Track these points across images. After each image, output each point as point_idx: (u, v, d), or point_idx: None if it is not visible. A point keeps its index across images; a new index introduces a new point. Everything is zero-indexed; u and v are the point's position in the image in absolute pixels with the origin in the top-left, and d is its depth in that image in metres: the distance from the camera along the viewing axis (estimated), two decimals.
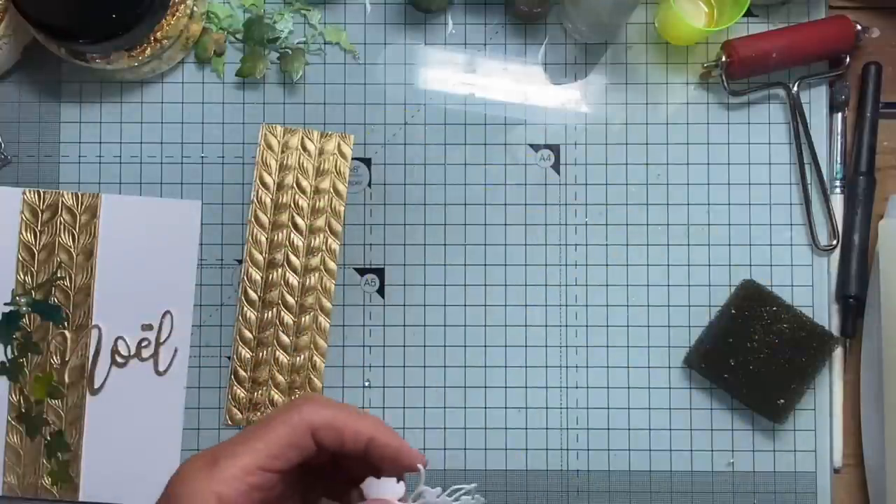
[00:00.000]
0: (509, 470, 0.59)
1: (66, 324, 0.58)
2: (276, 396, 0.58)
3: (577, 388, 0.59)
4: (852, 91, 0.60)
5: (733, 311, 0.57)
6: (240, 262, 0.59)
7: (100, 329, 0.59)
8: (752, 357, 0.57)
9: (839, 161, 0.59)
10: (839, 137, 0.59)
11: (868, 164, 0.58)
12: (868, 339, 0.58)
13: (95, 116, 0.59)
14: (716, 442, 0.59)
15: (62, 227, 0.59)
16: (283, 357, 0.58)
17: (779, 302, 0.57)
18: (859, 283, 0.58)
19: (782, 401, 0.57)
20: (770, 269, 0.59)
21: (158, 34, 0.55)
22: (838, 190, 0.59)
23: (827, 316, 0.59)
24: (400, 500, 0.41)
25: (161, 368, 0.59)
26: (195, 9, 0.57)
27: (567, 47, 0.60)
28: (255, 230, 0.59)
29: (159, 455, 0.58)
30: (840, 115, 0.59)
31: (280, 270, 0.59)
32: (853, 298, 0.58)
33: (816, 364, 0.57)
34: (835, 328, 0.59)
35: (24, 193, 0.59)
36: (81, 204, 0.59)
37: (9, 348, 0.58)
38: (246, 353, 0.58)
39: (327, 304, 0.59)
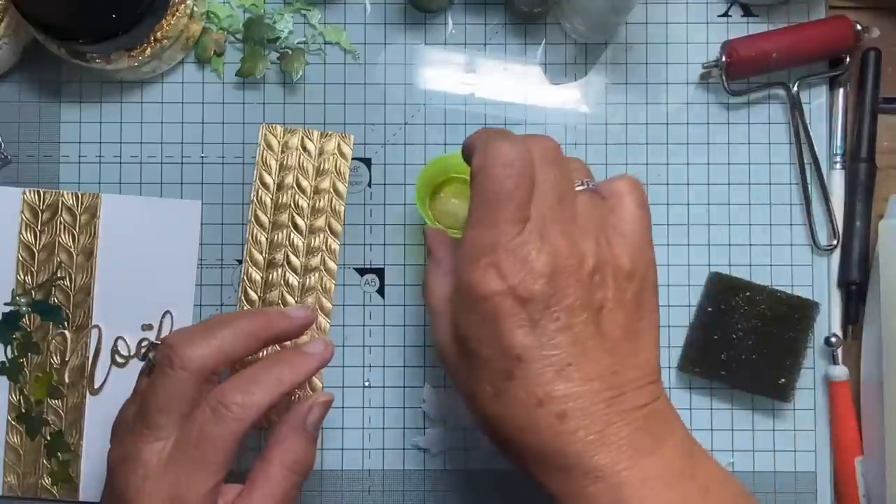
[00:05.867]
0: (510, 470, 0.59)
1: (66, 324, 0.58)
2: None
3: None
4: (851, 89, 0.60)
5: (709, 309, 0.57)
6: (240, 262, 0.59)
7: (100, 329, 0.59)
8: (742, 346, 0.57)
9: (840, 136, 0.59)
10: (840, 113, 0.59)
11: (868, 151, 0.58)
12: (868, 340, 0.58)
13: (95, 116, 0.59)
14: (716, 442, 0.59)
15: (62, 227, 0.59)
16: None
17: (751, 286, 0.57)
18: (861, 270, 0.58)
19: (783, 380, 0.57)
20: (770, 269, 0.59)
21: (158, 34, 0.55)
22: (838, 166, 0.59)
23: (828, 317, 0.59)
24: None
25: None
26: (195, 9, 0.57)
27: (567, 47, 0.60)
28: (255, 230, 0.59)
29: None
30: (841, 90, 0.59)
31: (280, 270, 0.59)
32: (855, 285, 0.58)
33: (806, 332, 0.57)
34: (837, 321, 0.59)
35: (24, 193, 0.59)
36: (81, 204, 0.59)
37: (9, 348, 0.59)
38: None
39: (327, 304, 0.59)
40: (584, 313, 0.41)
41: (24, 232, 0.59)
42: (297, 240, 0.59)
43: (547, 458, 0.40)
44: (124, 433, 0.47)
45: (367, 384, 0.59)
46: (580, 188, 0.44)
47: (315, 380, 0.58)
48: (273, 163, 0.59)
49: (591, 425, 0.40)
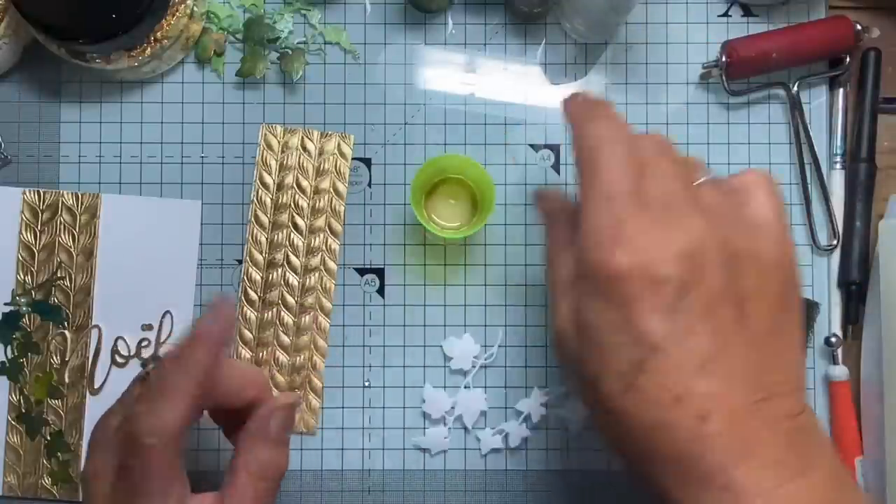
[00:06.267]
0: (510, 470, 0.59)
1: (66, 324, 0.58)
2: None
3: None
4: (851, 88, 0.60)
5: None
6: (240, 262, 0.59)
7: (100, 329, 0.59)
8: None
9: (840, 136, 0.59)
10: (840, 113, 0.59)
11: (868, 151, 0.58)
12: (868, 340, 0.58)
13: (95, 116, 0.59)
14: None
15: (62, 227, 0.59)
16: (283, 357, 0.58)
17: None
18: (861, 270, 0.58)
19: None
20: None
21: (158, 34, 0.55)
22: (838, 166, 0.59)
23: (828, 317, 0.59)
24: None
25: None
26: (195, 9, 0.57)
27: (567, 47, 0.60)
28: (255, 230, 0.59)
29: None
30: (841, 90, 0.59)
31: (280, 270, 0.59)
32: (855, 285, 0.58)
33: (806, 332, 0.57)
34: (837, 321, 0.59)
35: (24, 193, 0.59)
36: (81, 204, 0.59)
37: (9, 348, 0.58)
38: (246, 353, 0.58)
39: (327, 304, 0.59)
40: (726, 302, 0.36)
41: (24, 232, 0.59)
42: (297, 240, 0.59)
43: (680, 465, 0.35)
44: (102, 450, 0.44)
45: (367, 384, 0.59)
46: (703, 180, 0.40)
47: (315, 380, 0.58)
48: (273, 163, 0.59)
49: (734, 431, 0.35)
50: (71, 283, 0.59)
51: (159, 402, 0.42)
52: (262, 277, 0.59)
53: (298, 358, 0.58)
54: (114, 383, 0.58)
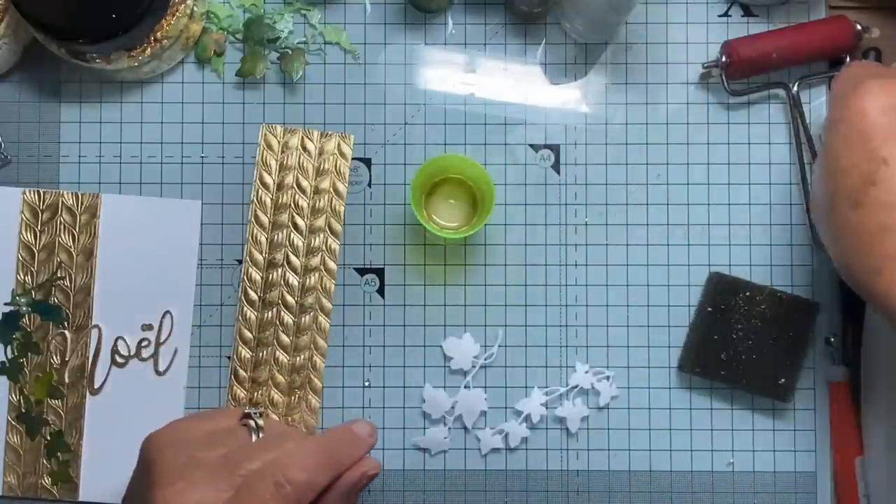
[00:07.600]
0: (509, 470, 0.59)
1: (66, 324, 0.58)
2: (276, 396, 0.58)
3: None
4: None
5: (709, 309, 0.57)
6: (240, 262, 0.59)
7: (100, 329, 0.59)
8: (742, 346, 0.57)
9: None
10: None
11: None
12: (868, 340, 0.58)
13: (95, 116, 0.59)
14: (716, 442, 0.59)
15: (62, 227, 0.59)
16: (283, 357, 0.58)
17: (751, 286, 0.57)
18: None
19: (783, 379, 0.57)
20: (770, 269, 0.59)
21: (158, 34, 0.55)
22: None
23: (828, 317, 0.59)
24: None
25: (161, 368, 0.59)
26: (195, 9, 0.57)
27: (567, 47, 0.60)
28: (255, 230, 0.59)
29: None
30: None
31: (280, 270, 0.59)
32: None
33: (805, 333, 0.57)
34: (837, 321, 0.59)
35: (24, 193, 0.59)
36: (81, 204, 0.59)
37: (9, 348, 0.59)
38: (246, 353, 0.58)
39: (327, 304, 0.59)
40: None
41: (24, 232, 0.59)
42: (297, 240, 0.59)
43: None
44: (211, 479, 0.47)
45: (367, 384, 0.59)
46: None
47: (315, 380, 0.58)
48: (273, 163, 0.59)
49: None
50: (71, 283, 0.59)
51: (315, 465, 0.47)
52: (262, 277, 0.59)
53: (298, 358, 0.59)
54: (114, 383, 0.58)
